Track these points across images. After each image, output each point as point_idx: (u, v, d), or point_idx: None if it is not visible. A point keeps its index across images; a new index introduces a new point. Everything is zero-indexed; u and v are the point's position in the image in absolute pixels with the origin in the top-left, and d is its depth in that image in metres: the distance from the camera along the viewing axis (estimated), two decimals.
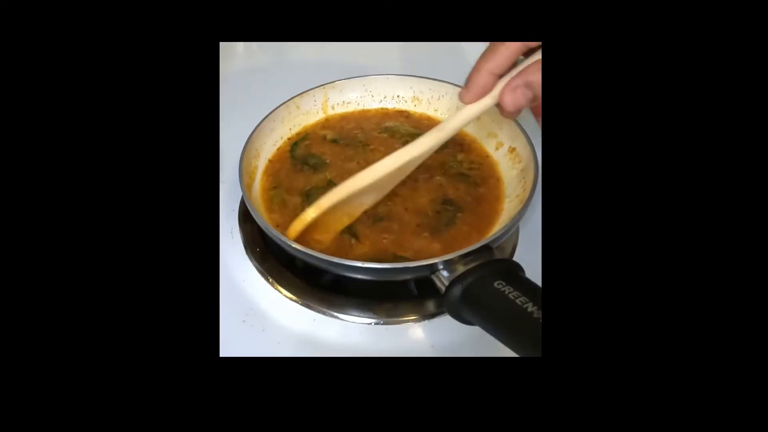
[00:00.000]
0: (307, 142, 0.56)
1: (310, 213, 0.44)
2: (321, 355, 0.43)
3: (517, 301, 0.34)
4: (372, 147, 0.55)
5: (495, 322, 0.36)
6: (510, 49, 0.38)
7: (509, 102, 0.38)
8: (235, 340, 0.44)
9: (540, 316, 0.32)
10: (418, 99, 0.59)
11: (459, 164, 0.53)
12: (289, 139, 0.56)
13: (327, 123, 0.58)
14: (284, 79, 0.68)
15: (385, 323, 0.45)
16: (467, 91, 0.41)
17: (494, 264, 0.39)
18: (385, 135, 0.56)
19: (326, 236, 0.46)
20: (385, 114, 0.59)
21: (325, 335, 0.45)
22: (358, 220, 0.47)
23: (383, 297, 0.46)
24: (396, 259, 0.44)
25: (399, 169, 0.43)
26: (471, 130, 0.56)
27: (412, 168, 0.44)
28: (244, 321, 0.46)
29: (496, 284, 0.36)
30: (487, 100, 0.41)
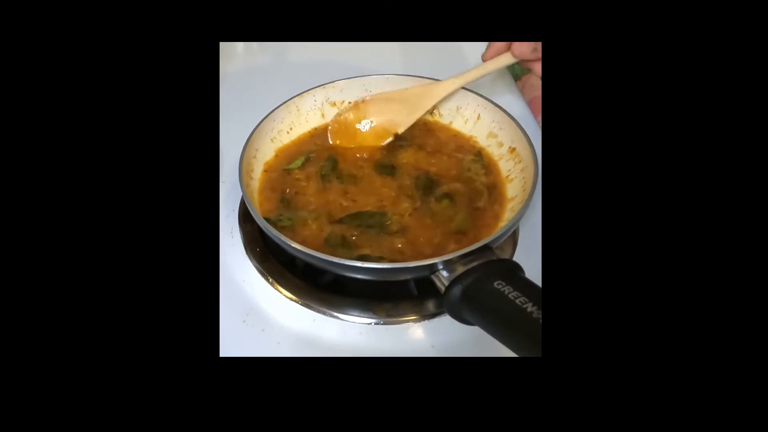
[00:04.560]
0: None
1: (350, 109, 0.57)
2: (321, 355, 0.43)
3: (517, 301, 0.34)
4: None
5: (495, 322, 0.36)
6: None
7: (516, 50, 0.51)
8: (235, 340, 0.44)
9: (540, 316, 0.32)
10: None
11: (477, 186, 0.52)
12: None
13: None
14: (284, 79, 0.68)
15: (385, 323, 0.45)
16: (487, 51, 0.54)
17: (494, 264, 0.39)
18: None
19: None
20: None
21: (325, 335, 0.45)
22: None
23: (383, 297, 0.46)
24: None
25: (422, 95, 0.56)
26: (471, 131, 0.56)
27: (429, 103, 0.56)
28: (244, 321, 0.46)
29: (495, 284, 0.36)
30: (502, 59, 0.53)
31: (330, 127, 0.57)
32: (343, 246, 0.46)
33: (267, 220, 0.47)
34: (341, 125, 0.57)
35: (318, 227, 0.48)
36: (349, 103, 0.58)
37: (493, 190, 0.51)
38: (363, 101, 0.57)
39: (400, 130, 0.56)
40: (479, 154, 0.54)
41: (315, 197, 0.51)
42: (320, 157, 0.55)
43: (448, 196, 0.49)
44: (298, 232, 0.47)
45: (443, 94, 0.55)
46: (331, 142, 0.56)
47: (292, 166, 0.54)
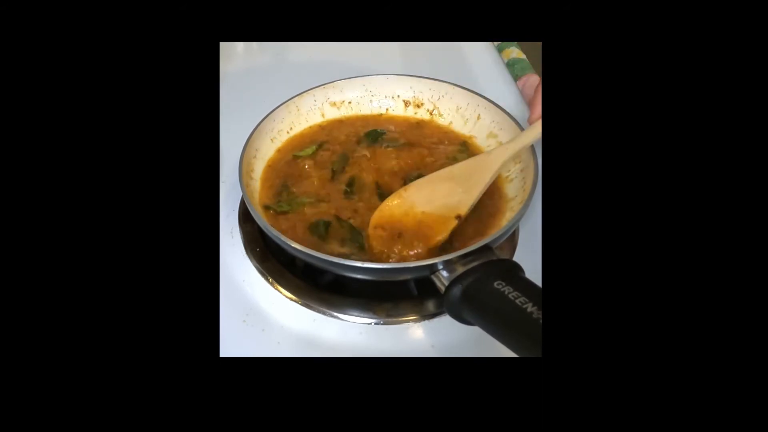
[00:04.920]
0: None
1: (392, 199, 0.48)
2: (321, 355, 0.43)
3: (517, 301, 0.34)
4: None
5: (495, 322, 0.36)
6: None
7: None
8: (235, 340, 0.44)
9: (540, 316, 0.32)
10: (418, 99, 0.59)
11: (445, 154, 0.53)
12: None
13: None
14: (284, 79, 0.68)
15: (385, 323, 0.45)
16: (533, 114, 0.49)
17: (494, 264, 0.39)
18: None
19: (422, 245, 0.45)
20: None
21: (325, 335, 0.45)
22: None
23: (383, 297, 0.46)
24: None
25: (475, 169, 0.49)
26: (471, 131, 0.56)
27: (486, 176, 0.48)
28: (244, 321, 0.46)
29: (495, 284, 0.36)
30: None
31: (370, 233, 0.46)
32: (323, 237, 0.46)
33: (265, 207, 0.48)
34: (385, 230, 0.46)
35: (314, 213, 0.48)
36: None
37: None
38: (405, 189, 0.48)
39: (464, 211, 0.46)
40: (464, 144, 0.55)
41: (318, 185, 0.51)
42: (333, 150, 0.55)
43: None
44: (291, 217, 0.48)
45: (498, 163, 0.48)
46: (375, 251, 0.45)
47: (302, 153, 0.54)
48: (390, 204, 0.48)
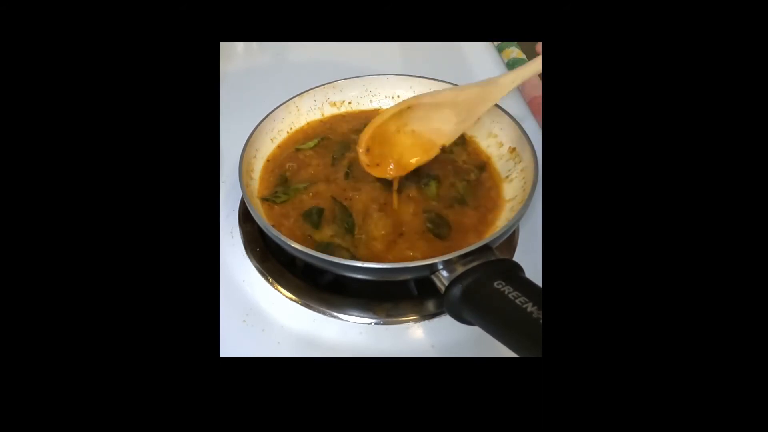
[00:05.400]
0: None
1: (386, 113, 0.48)
2: (321, 355, 0.43)
3: (517, 301, 0.34)
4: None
5: (495, 322, 0.36)
6: None
7: None
8: (235, 340, 0.44)
9: (540, 316, 0.32)
10: None
11: (460, 164, 0.53)
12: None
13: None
14: (284, 79, 0.68)
15: (385, 323, 0.45)
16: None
17: (494, 264, 0.39)
18: None
19: (397, 168, 0.48)
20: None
21: (325, 335, 0.45)
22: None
23: (383, 297, 0.46)
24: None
25: (478, 99, 0.48)
26: (471, 130, 0.56)
27: (484, 108, 0.48)
28: (244, 321, 0.46)
29: (495, 284, 0.36)
30: None
31: (361, 142, 0.49)
32: (317, 224, 0.47)
33: (263, 199, 0.48)
34: (377, 138, 0.49)
35: (310, 198, 0.49)
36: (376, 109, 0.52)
37: (484, 167, 0.52)
38: (409, 107, 0.49)
39: (448, 142, 0.49)
40: (462, 137, 0.55)
41: (317, 171, 0.52)
42: (334, 141, 0.55)
43: (433, 177, 0.50)
44: (285, 206, 0.49)
45: (500, 96, 0.47)
46: (366, 165, 0.49)
47: (304, 146, 0.55)
48: (386, 116, 0.49)
